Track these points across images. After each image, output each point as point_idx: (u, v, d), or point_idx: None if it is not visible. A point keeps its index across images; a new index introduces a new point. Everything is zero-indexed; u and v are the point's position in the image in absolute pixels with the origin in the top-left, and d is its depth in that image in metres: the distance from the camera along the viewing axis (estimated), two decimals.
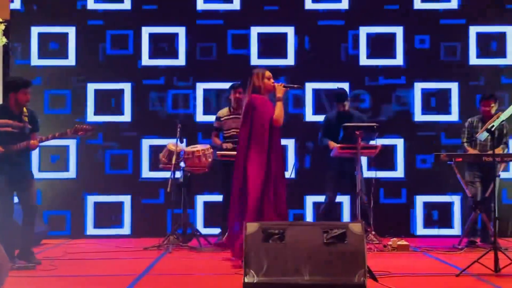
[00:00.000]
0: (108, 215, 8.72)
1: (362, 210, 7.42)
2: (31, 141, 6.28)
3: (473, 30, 8.83)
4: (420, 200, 8.72)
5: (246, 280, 4.68)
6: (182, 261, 6.54)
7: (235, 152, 7.53)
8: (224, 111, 7.94)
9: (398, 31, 8.85)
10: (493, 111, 7.53)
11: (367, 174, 7.99)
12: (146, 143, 8.78)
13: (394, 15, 8.88)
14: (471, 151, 7.59)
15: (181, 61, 8.87)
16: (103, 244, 7.81)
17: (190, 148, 7.60)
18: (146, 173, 8.78)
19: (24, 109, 6.37)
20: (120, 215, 8.73)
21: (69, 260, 6.64)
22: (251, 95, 6.20)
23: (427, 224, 8.69)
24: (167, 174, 7.52)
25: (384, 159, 8.41)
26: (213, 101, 8.80)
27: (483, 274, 5.42)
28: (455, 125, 8.57)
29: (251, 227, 4.88)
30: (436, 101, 8.83)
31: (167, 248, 7.15)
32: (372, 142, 7.71)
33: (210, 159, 7.59)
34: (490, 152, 7.30)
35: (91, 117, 8.77)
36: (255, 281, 4.66)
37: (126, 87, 8.82)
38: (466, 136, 7.72)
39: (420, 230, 8.66)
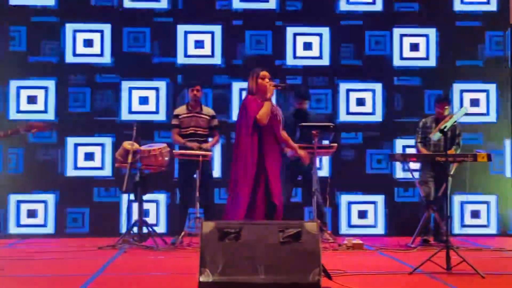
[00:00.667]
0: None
1: (317, 209, 7.47)
2: None
3: None
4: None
5: (201, 280, 4.67)
6: (138, 261, 6.49)
7: (193, 152, 7.53)
8: (182, 109, 7.90)
9: None
10: (446, 112, 7.67)
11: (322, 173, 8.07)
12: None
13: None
14: (424, 151, 7.72)
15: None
16: (56, 243, 7.71)
17: (146, 147, 7.55)
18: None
19: None
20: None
21: (21, 260, 6.51)
22: (246, 96, 6.19)
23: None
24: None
25: None
26: None
27: (436, 272, 5.51)
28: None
29: (207, 226, 4.87)
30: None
31: (122, 248, 7.09)
32: (325, 142, 7.78)
33: (167, 158, 7.55)
34: (443, 152, 7.43)
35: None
36: (210, 280, 4.66)
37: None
38: (420, 136, 7.84)
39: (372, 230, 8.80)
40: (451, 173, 7.60)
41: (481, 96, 8.98)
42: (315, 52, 8.95)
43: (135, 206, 7.79)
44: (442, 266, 5.54)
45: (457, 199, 8.73)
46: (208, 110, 7.95)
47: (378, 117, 8.90)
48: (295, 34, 8.96)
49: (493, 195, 8.87)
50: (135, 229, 7.53)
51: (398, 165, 8.79)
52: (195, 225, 7.46)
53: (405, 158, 7.53)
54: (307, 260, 4.70)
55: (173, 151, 7.61)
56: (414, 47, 9.02)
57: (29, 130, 6.31)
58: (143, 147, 7.53)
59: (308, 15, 8.97)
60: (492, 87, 8.97)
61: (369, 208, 8.85)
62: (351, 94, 8.93)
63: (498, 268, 6.02)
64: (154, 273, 5.78)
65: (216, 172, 8.59)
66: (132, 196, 7.59)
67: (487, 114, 8.96)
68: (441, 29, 9.00)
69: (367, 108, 8.92)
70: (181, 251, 7.10)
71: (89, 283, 5.22)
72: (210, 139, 7.88)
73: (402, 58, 9.00)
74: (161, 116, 8.77)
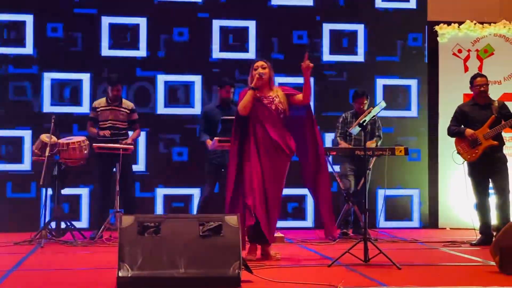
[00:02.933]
0: None
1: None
2: None
3: None
4: None
5: (120, 275, 4.59)
6: (55, 256, 6.35)
7: (113, 144, 7.41)
8: (101, 101, 7.76)
9: None
10: (365, 107, 7.82)
11: None
12: None
13: None
14: (344, 145, 7.85)
15: None
16: None
17: (65, 140, 7.38)
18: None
19: None
20: None
21: None
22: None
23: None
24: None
25: None
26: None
27: (354, 264, 5.60)
28: None
29: (126, 220, 4.80)
30: None
31: (39, 243, 6.91)
32: None
33: (86, 151, 7.41)
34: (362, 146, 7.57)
35: None
36: (129, 275, 4.59)
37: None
38: (340, 131, 7.97)
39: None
40: (370, 166, 7.76)
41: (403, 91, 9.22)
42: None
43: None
44: (360, 258, 5.64)
45: (381, 193, 8.89)
46: (127, 104, 7.83)
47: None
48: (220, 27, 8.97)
49: (415, 189, 9.12)
50: (53, 224, 7.36)
51: None
52: (114, 219, 7.36)
53: (326, 152, 7.62)
54: (227, 253, 4.70)
55: (93, 144, 7.47)
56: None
57: None
58: (61, 140, 7.35)
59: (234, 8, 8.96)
60: (413, 82, 9.22)
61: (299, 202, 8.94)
62: None
63: (414, 259, 6.18)
64: (72, 268, 5.65)
65: (142, 166, 8.53)
66: (50, 191, 7.41)
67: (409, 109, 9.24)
68: (366, 25, 9.16)
69: None
70: (100, 245, 6.99)
71: (4, 279, 5.06)
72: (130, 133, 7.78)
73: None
74: (84, 109, 8.61)
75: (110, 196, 7.54)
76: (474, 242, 7.15)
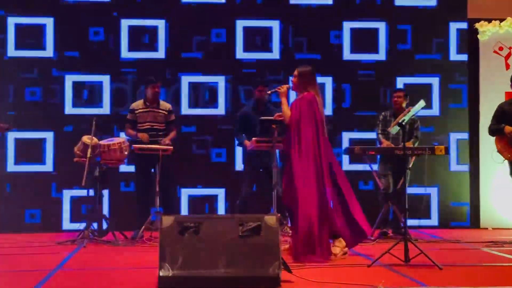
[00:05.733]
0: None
1: (278, 203, 7.48)
2: None
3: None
4: None
5: (161, 274, 4.65)
6: (97, 255, 6.45)
7: (152, 146, 7.50)
8: (139, 103, 7.85)
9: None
10: (403, 104, 7.76)
11: None
12: None
13: None
14: (386, 143, 7.80)
15: None
16: (13, 239, 7.60)
17: (105, 142, 7.48)
18: None
19: None
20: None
21: None
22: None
23: None
24: None
25: None
26: None
27: (394, 264, 5.57)
28: None
29: (167, 220, 4.86)
30: None
31: (81, 243, 7.03)
32: None
33: (126, 153, 7.50)
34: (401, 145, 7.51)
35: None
36: (170, 275, 4.64)
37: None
38: (381, 128, 7.94)
39: None
40: (410, 166, 7.70)
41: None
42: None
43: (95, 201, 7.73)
44: (401, 258, 5.61)
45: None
46: (165, 105, 7.90)
47: (328, 111, 8.91)
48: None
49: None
50: (94, 224, 7.47)
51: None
52: (155, 219, 7.44)
53: (364, 152, 7.60)
54: (266, 253, 4.72)
55: (133, 145, 7.56)
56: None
57: None
58: (102, 142, 7.45)
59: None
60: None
61: None
62: None
63: (455, 259, 6.12)
64: (114, 268, 5.74)
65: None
66: (91, 191, 7.53)
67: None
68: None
69: None
70: (141, 245, 7.07)
71: (48, 278, 5.16)
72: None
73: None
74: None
75: (150, 197, 7.62)
76: None
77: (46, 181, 8.68)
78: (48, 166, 8.71)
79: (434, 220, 9.07)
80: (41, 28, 8.76)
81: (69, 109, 8.78)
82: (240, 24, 9.00)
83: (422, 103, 6.07)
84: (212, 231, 4.81)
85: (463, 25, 9.16)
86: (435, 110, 9.18)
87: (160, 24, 8.92)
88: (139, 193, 7.79)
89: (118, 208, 8.59)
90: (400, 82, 9.09)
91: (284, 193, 6.25)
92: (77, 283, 5.08)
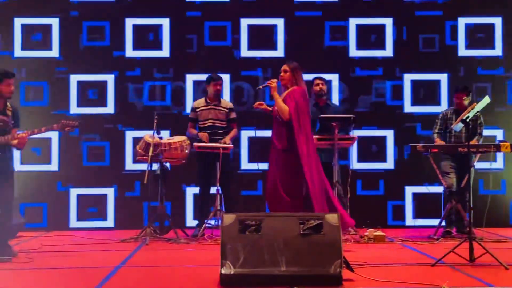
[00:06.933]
0: (92, 208, 8.72)
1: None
2: (20, 136, 6.21)
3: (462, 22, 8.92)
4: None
5: (223, 272, 4.68)
6: (159, 253, 6.53)
7: (212, 144, 7.55)
8: (200, 102, 7.91)
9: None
10: (466, 103, 7.59)
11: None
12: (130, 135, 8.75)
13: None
14: (439, 142, 7.66)
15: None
16: (80, 236, 7.77)
17: (167, 140, 7.57)
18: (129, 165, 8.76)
19: (8, 104, 6.31)
20: (103, 208, 8.69)
21: (46, 252, 6.59)
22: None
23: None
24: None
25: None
26: None
27: (458, 263, 5.47)
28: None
29: (228, 218, 4.88)
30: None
31: (144, 240, 7.13)
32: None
33: (187, 151, 7.56)
34: (465, 143, 7.36)
35: (73, 109, 8.72)
36: (231, 273, 4.67)
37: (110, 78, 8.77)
38: (438, 127, 7.79)
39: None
40: (474, 163, 7.53)
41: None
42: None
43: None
44: (465, 257, 5.50)
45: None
46: (226, 103, 7.94)
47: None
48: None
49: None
50: (156, 222, 7.56)
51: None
52: (216, 217, 7.48)
53: (427, 149, 7.46)
54: (328, 252, 4.70)
55: (194, 144, 7.62)
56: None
57: (63, 128, 6.37)
58: (163, 140, 7.54)
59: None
60: None
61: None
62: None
63: None
64: (176, 265, 5.80)
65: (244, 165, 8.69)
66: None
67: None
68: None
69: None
70: (202, 243, 7.12)
71: (112, 275, 5.26)
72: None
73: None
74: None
75: (210, 195, 7.68)
76: None
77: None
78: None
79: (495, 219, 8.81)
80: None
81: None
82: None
83: (487, 99, 5.93)
84: (273, 229, 4.82)
85: None
86: None
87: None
88: (200, 191, 7.84)
89: (178, 206, 8.66)
90: None
91: (289, 187, 6.36)
92: (140, 280, 5.16)
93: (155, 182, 7.55)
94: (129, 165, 8.72)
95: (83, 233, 8.01)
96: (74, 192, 8.68)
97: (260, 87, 7.04)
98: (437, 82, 8.84)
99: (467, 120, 5.82)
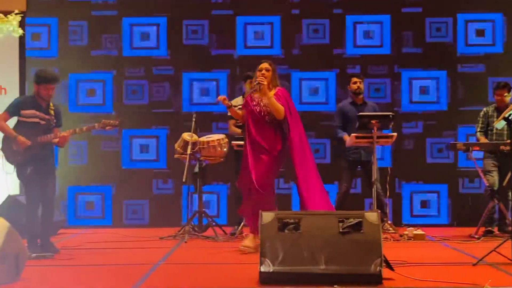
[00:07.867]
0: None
1: (377, 200, 7.38)
2: (61, 135, 6.32)
3: None
4: None
5: (262, 269, 4.68)
6: (198, 250, 6.56)
7: None
8: (237, 100, 7.91)
9: None
10: (507, 99, 7.47)
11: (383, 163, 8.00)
12: None
13: None
14: (483, 140, 7.55)
15: None
16: (119, 234, 7.85)
17: (205, 138, 7.60)
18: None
19: (51, 104, 6.42)
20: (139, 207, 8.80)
21: (86, 249, 6.68)
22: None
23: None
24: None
25: None
26: None
27: (500, 263, 5.39)
28: None
29: (267, 217, 4.88)
30: None
31: (182, 238, 7.17)
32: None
33: (225, 149, 7.58)
34: (507, 141, 7.24)
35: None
36: (271, 270, 4.67)
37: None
38: (480, 125, 7.67)
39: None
40: None
41: None
42: (375, 40, 8.84)
43: (195, 197, 7.88)
44: (508, 257, 5.41)
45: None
46: None
47: (443, 106, 8.75)
48: (354, 23, 8.88)
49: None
50: (195, 220, 7.60)
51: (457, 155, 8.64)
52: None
53: (467, 147, 7.36)
54: (368, 250, 4.67)
55: (232, 142, 7.63)
56: (480, 33, 8.81)
57: (104, 127, 6.46)
58: (202, 138, 7.57)
59: (368, 3, 8.87)
60: None
61: (432, 198, 8.71)
62: (414, 82, 8.80)
63: None
64: (215, 263, 5.82)
65: None
66: (192, 187, 7.67)
67: None
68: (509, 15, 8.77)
69: (431, 96, 8.78)
70: (240, 241, 7.11)
71: (151, 272, 5.30)
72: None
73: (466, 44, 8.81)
74: (220, 107, 8.82)
75: None
76: None
77: None
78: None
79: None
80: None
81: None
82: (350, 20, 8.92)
83: None
84: (312, 228, 4.80)
85: None
86: None
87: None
88: (237, 190, 7.85)
89: (218, 204, 8.70)
90: None
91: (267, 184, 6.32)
92: (179, 277, 5.19)
93: (194, 180, 7.59)
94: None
95: (122, 231, 8.10)
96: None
97: (254, 84, 6.42)
98: None
99: (510, 117, 5.72)
